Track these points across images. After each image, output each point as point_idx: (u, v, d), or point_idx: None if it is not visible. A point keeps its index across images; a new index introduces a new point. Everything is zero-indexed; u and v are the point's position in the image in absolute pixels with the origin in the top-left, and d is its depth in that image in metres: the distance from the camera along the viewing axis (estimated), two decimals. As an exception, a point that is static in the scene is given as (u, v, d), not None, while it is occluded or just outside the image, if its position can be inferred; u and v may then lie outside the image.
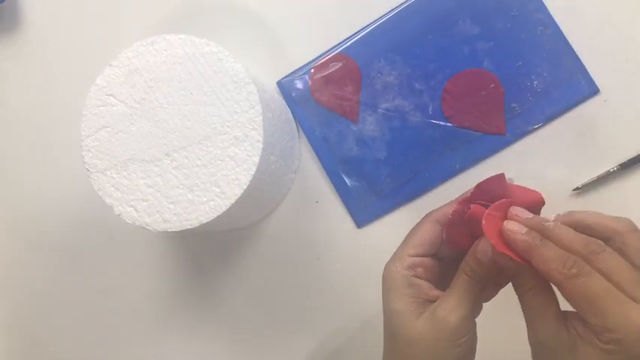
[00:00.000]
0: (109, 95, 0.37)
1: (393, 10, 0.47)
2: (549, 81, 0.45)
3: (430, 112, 0.46)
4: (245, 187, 0.34)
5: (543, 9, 0.46)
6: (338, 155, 0.47)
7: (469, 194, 0.32)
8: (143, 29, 0.51)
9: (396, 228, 0.46)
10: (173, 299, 0.49)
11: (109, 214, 0.36)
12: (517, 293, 0.30)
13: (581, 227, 0.30)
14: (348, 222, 0.47)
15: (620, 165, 0.44)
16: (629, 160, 0.44)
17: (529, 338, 0.29)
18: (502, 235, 0.29)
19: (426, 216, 0.34)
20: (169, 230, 0.35)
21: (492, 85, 0.46)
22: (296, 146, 0.47)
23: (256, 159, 0.35)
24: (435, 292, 0.32)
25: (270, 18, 0.49)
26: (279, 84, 0.48)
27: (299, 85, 0.48)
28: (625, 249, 0.28)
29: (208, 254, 0.49)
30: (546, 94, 0.45)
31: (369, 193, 0.47)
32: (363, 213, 0.47)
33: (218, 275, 0.48)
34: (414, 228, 0.35)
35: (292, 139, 0.45)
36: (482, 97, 0.46)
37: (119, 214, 0.36)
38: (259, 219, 0.48)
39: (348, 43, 0.48)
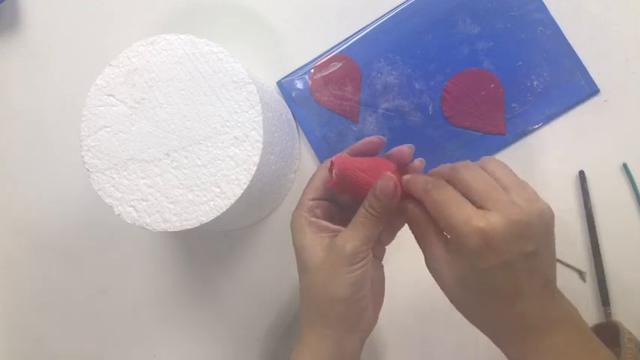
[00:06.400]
0: (109, 95, 0.37)
1: (393, 10, 0.47)
2: (549, 81, 0.45)
3: (430, 112, 0.46)
4: (245, 187, 0.34)
5: (543, 9, 0.46)
6: (338, 155, 0.47)
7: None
8: (143, 29, 0.51)
9: (396, 228, 0.46)
10: (173, 299, 0.49)
11: (109, 214, 0.36)
12: (414, 231, 0.34)
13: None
14: (348, 222, 0.47)
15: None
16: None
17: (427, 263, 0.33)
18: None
19: (323, 164, 0.37)
20: (169, 230, 0.35)
21: (492, 85, 0.46)
22: (296, 146, 0.47)
23: (256, 159, 0.35)
24: (335, 227, 0.35)
25: (271, 18, 0.49)
26: (279, 84, 0.48)
27: (299, 85, 0.48)
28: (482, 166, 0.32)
29: (208, 254, 0.49)
30: (546, 94, 0.45)
31: (369, 193, 0.47)
32: (363, 213, 0.47)
33: (218, 275, 0.48)
34: (312, 176, 0.37)
35: (292, 139, 0.45)
36: (482, 97, 0.46)
37: (119, 214, 0.36)
38: (259, 219, 0.48)
39: (348, 43, 0.48)
